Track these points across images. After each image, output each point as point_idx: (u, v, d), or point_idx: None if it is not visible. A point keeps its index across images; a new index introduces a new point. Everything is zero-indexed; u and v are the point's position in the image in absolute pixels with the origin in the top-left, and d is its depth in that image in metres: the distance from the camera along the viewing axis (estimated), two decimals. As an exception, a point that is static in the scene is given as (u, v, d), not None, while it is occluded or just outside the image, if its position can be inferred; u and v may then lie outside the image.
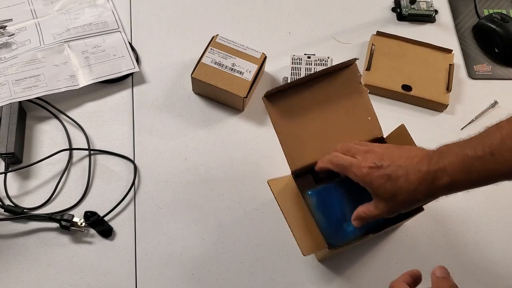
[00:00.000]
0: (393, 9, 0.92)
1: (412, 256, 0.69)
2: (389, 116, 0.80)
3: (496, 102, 0.81)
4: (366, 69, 0.82)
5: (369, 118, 0.65)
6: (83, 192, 0.71)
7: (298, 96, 0.63)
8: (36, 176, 0.73)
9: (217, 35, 0.80)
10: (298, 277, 0.67)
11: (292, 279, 0.67)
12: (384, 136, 0.66)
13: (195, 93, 0.81)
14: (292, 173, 0.63)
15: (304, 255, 0.57)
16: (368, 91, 0.66)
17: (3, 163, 0.72)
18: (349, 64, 0.64)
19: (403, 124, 0.64)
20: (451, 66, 0.82)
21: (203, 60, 0.77)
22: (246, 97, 0.75)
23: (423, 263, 0.69)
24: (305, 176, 0.64)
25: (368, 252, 0.69)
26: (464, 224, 0.72)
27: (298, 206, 0.61)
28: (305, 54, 0.82)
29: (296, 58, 0.81)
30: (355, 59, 0.65)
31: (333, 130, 0.64)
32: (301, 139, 0.62)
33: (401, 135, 0.63)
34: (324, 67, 0.80)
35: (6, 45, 0.82)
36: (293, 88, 0.62)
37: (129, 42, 0.84)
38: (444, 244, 0.70)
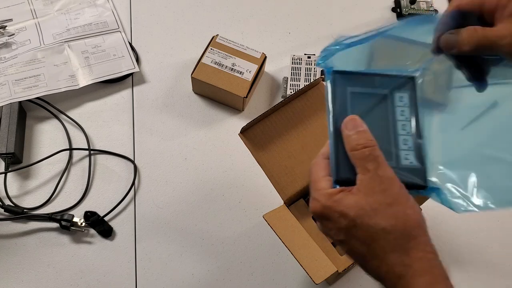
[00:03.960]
0: (393, 9, 0.92)
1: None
2: (389, 116, 0.80)
3: (496, 102, 0.81)
4: (366, 69, 0.82)
5: None
6: (83, 192, 0.71)
7: (273, 124, 0.62)
8: (36, 176, 0.73)
9: (217, 35, 0.80)
10: (298, 277, 0.67)
11: (292, 279, 0.67)
12: None
13: (195, 93, 0.81)
14: (284, 203, 0.63)
15: (316, 284, 0.57)
16: None
17: (3, 163, 0.72)
18: (316, 84, 0.65)
19: None
20: (451, 66, 0.82)
21: (203, 60, 0.77)
22: (246, 97, 0.75)
23: (423, 263, 0.69)
24: (298, 202, 0.64)
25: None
26: (464, 224, 0.72)
27: (299, 234, 0.61)
28: (305, 54, 0.82)
29: (296, 58, 0.81)
30: (321, 77, 0.65)
31: (315, 150, 0.64)
32: (286, 167, 0.62)
33: None
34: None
35: (6, 45, 0.82)
36: (267, 117, 0.62)
37: (129, 42, 0.84)
38: (444, 244, 0.70)
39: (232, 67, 0.77)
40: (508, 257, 0.70)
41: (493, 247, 0.70)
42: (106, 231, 0.69)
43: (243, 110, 0.79)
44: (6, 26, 0.84)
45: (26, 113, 0.77)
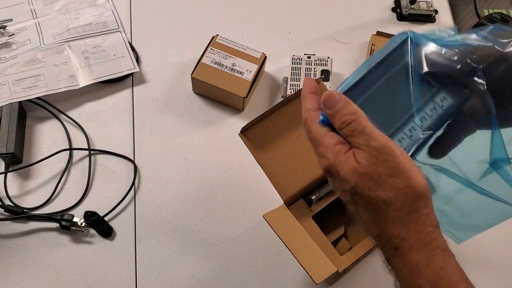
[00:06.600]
0: (393, 9, 0.92)
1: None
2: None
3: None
4: (366, 69, 0.82)
5: None
6: (83, 192, 0.71)
7: (273, 124, 0.62)
8: (36, 176, 0.73)
9: (217, 35, 0.80)
10: (298, 277, 0.67)
11: (292, 279, 0.67)
12: None
13: (195, 93, 0.81)
14: (284, 203, 0.63)
15: (316, 284, 0.57)
16: None
17: (3, 163, 0.72)
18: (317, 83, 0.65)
19: None
20: (451, 66, 0.82)
21: (203, 60, 0.77)
22: (246, 97, 0.75)
23: (423, 263, 0.69)
24: (298, 202, 0.63)
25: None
26: (464, 224, 0.72)
27: (299, 234, 0.61)
28: (305, 54, 0.82)
29: (296, 58, 0.81)
30: (321, 77, 0.65)
31: None
32: (286, 167, 0.62)
33: None
34: (324, 67, 0.80)
35: (6, 45, 0.82)
36: (267, 117, 0.62)
37: (129, 42, 0.84)
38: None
39: (232, 67, 0.77)
40: (508, 257, 0.70)
41: (494, 247, 0.70)
42: (106, 231, 0.69)
43: (243, 110, 0.79)
44: (6, 26, 0.84)
45: (26, 113, 0.77)
